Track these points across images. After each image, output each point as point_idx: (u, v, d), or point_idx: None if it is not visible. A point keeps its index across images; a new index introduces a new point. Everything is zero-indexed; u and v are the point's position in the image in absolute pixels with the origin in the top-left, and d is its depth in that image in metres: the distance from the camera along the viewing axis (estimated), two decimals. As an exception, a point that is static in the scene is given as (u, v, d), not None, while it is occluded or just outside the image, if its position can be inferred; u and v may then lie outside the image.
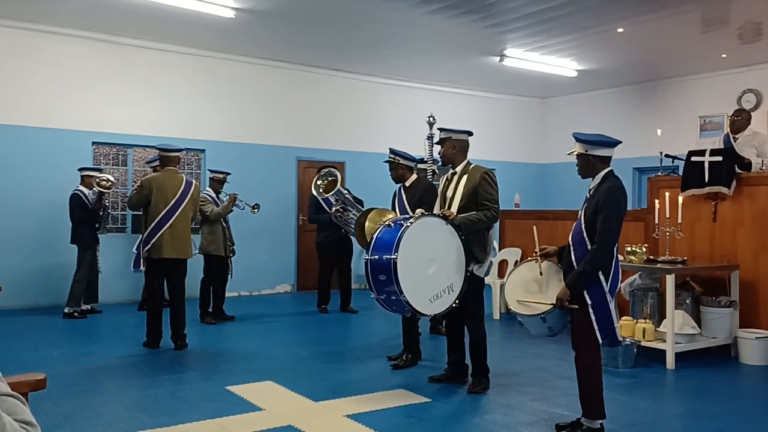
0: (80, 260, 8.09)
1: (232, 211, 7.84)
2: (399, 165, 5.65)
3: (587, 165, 3.86)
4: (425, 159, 7.07)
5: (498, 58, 10.34)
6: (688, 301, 6.14)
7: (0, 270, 8.23)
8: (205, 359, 6.00)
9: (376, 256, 4.58)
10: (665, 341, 5.70)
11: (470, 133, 5.03)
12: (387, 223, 4.81)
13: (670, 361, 5.63)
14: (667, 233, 6.11)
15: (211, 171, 8.25)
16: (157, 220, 6.20)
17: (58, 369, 5.43)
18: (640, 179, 11.91)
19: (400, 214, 5.42)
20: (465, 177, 4.85)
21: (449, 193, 4.90)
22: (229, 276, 8.09)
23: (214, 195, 7.92)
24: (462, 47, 9.84)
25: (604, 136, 3.89)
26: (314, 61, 10.80)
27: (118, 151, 9.72)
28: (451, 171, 4.99)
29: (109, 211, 8.14)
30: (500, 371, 5.48)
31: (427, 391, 4.86)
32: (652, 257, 6.12)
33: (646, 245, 6.20)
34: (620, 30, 8.81)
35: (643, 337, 5.85)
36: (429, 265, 4.58)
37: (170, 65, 9.84)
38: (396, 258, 4.42)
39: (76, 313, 8.03)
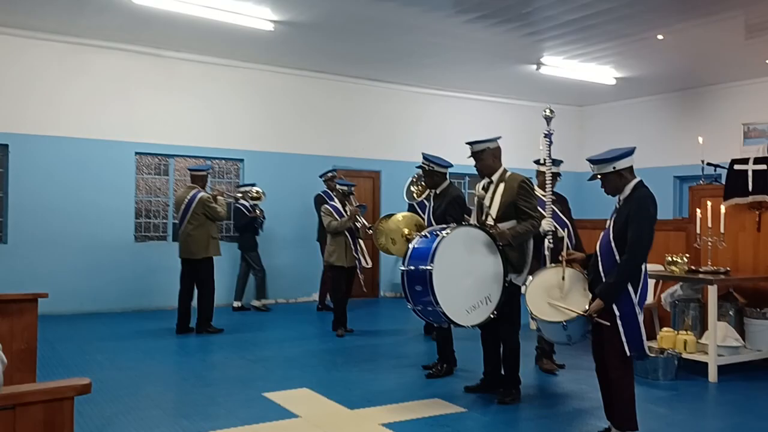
0: (250, 261, 9.52)
1: (350, 226, 7.65)
2: (433, 172, 5.57)
3: (619, 181, 3.81)
4: (543, 161, 5.52)
5: (535, 67, 10.28)
6: (731, 313, 6.00)
7: (49, 275, 8.50)
8: (243, 366, 6.09)
9: (412, 267, 4.60)
10: (707, 353, 5.58)
11: (499, 138, 5.01)
12: (423, 233, 4.83)
13: (712, 374, 5.50)
14: (710, 243, 5.98)
15: (338, 183, 8.18)
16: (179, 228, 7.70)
17: (103, 373, 5.57)
18: (682, 188, 11.68)
19: (426, 222, 5.48)
20: (502, 185, 4.79)
21: (486, 202, 4.84)
22: (362, 287, 8.18)
23: (339, 207, 7.78)
24: (499, 56, 9.82)
25: (619, 148, 3.86)
26: (351, 71, 10.91)
27: (160, 161, 9.96)
28: (486, 180, 4.94)
29: (262, 219, 9.55)
30: (537, 381, 5.43)
31: (462, 401, 4.84)
32: (693, 267, 5.99)
33: (687, 255, 6.07)
34: (660, 37, 8.68)
35: (685, 349, 5.72)
36: (466, 276, 4.57)
37: (210, 77, 10.05)
38: (432, 269, 4.42)
39: (263, 307, 9.61)
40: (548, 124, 5.32)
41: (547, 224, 5.10)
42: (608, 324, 3.70)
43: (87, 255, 9.07)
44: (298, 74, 10.73)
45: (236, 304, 9.59)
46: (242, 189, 9.51)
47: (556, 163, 5.62)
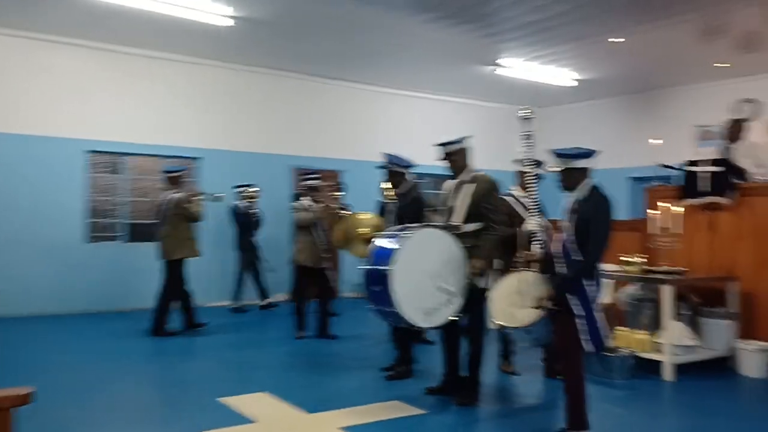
0: (241, 260, 9.54)
1: (322, 217, 7.33)
2: (395, 172, 5.53)
3: (573, 178, 3.91)
4: (524, 161, 4.91)
5: (493, 68, 10.33)
6: (686, 312, 6.09)
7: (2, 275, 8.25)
8: (202, 369, 5.95)
9: (372, 267, 4.54)
10: (663, 353, 5.65)
11: (471, 137, 4.99)
12: (387, 232, 4.79)
13: (667, 373, 5.58)
14: (665, 244, 6.07)
15: (302, 180, 7.93)
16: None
17: (55, 376, 5.37)
18: (636, 189, 11.87)
19: (386, 223, 5.55)
20: (471, 186, 4.75)
21: (454, 203, 4.79)
22: (335, 291, 7.79)
23: (307, 202, 7.52)
24: (458, 56, 9.85)
25: (583, 148, 3.96)
26: (310, 70, 10.80)
27: (113, 159, 9.68)
28: (456, 180, 4.87)
29: (258, 217, 9.61)
30: (497, 382, 5.43)
31: (422, 402, 4.79)
32: (648, 268, 6.07)
33: (645, 256, 6.15)
34: (618, 39, 8.81)
35: (640, 349, 5.79)
36: (427, 278, 4.50)
37: (167, 73, 9.83)
38: (391, 270, 4.37)
39: (239, 308, 9.53)
40: (527, 124, 4.60)
41: (533, 225, 4.84)
42: (555, 308, 3.80)
43: (39, 255, 8.81)
44: (258, 72, 10.59)
45: (262, 303, 9.73)
46: (237, 189, 9.56)
47: (538, 164, 5.36)
